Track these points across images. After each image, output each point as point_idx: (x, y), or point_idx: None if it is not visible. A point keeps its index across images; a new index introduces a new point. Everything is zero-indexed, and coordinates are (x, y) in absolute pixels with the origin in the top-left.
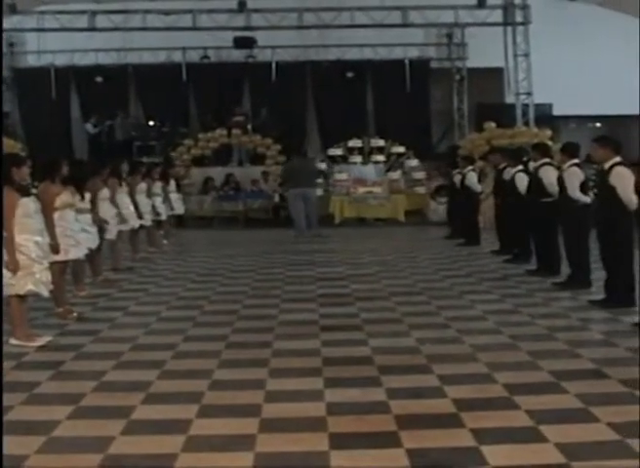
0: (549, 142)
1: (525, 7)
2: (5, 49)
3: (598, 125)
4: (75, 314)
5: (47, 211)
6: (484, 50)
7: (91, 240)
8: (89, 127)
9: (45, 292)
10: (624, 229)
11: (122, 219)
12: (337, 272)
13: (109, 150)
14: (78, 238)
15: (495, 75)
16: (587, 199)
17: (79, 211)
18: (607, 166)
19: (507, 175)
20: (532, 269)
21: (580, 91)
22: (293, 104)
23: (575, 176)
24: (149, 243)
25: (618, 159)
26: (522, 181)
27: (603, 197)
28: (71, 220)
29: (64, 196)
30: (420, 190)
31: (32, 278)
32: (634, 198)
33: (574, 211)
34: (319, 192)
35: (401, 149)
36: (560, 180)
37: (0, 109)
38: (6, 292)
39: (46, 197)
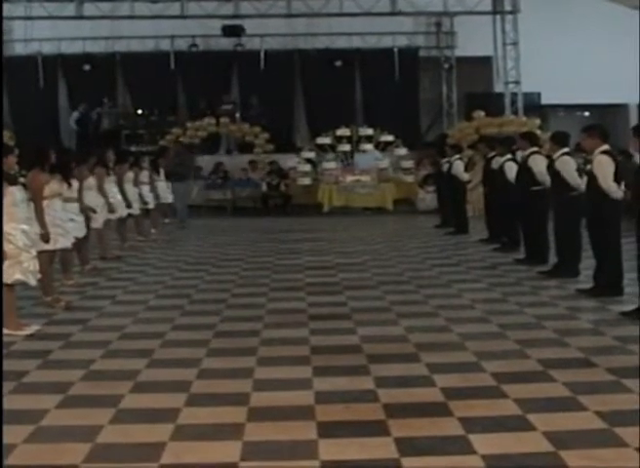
0: (538, 131)
1: None
2: None
3: (587, 114)
4: (63, 303)
5: (36, 199)
6: (473, 38)
7: (78, 229)
8: (76, 115)
9: (33, 281)
10: (610, 218)
11: (110, 208)
12: (325, 261)
13: (97, 139)
14: (66, 227)
15: (483, 64)
16: (583, 187)
17: (67, 199)
18: (594, 155)
19: (496, 163)
20: (520, 258)
21: (569, 80)
22: (281, 93)
23: (569, 165)
24: (138, 232)
25: (605, 147)
26: (511, 170)
27: (590, 186)
28: (59, 209)
29: (53, 184)
30: (409, 179)
31: (20, 267)
32: (614, 186)
33: (566, 200)
34: (307, 181)
35: (390, 138)
36: (551, 170)
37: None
38: None
39: (35, 185)
